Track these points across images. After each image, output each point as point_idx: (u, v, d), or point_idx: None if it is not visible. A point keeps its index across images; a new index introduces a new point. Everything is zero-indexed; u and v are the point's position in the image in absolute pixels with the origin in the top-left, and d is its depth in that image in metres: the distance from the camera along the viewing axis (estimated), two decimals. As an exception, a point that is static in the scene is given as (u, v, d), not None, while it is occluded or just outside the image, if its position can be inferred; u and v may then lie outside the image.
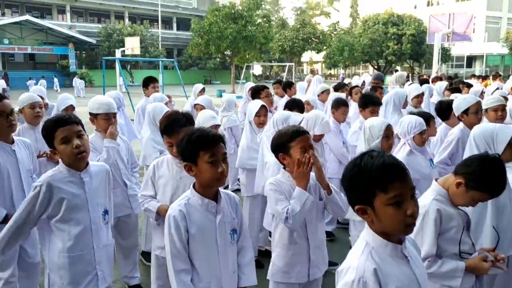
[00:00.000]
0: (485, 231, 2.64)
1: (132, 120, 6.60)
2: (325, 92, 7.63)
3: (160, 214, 2.94)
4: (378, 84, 8.90)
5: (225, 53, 32.09)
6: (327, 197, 2.66)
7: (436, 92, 8.51)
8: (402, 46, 40.85)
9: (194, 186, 2.27)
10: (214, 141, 2.17)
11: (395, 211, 1.54)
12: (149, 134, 4.43)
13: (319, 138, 4.07)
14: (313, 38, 39.86)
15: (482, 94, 7.50)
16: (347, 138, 5.11)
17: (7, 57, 42.94)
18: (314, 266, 2.74)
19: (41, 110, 4.38)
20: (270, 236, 4.52)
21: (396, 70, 25.63)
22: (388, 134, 3.27)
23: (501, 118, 4.36)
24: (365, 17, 44.88)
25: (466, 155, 2.86)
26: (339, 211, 2.75)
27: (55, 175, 2.52)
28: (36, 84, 30.04)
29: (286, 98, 8.21)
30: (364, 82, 9.91)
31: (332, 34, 40.73)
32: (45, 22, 41.49)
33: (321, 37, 39.76)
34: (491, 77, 15.65)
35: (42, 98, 6.10)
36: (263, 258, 4.63)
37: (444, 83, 9.18)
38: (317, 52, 43.13)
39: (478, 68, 48.62)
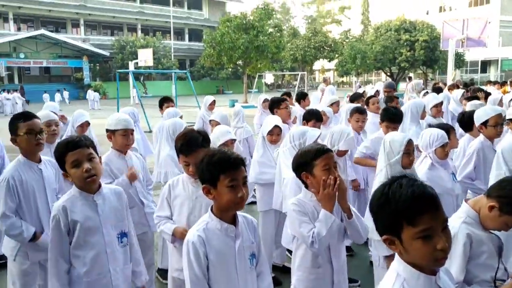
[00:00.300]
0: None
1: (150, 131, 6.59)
2: (335, 104, 7.53)
3: (176, 236, 2.88)
4: (390, 93, 8.78)
5: (237, 63, 32.11)
6: (347, 221, 2.57)
7: (453, 100, 8.36)
8: (415, 53, 40.48)
9: (211, 210, 2.19)
10: (235, 164, 2.10)
11: (423, 245, 1.43)
12: (168, 151, 4.40)
13: (343, 153, 4.00)
14: (324, 47, 39.74)
15: (500, 102, 7.33)
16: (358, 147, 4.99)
17: (23, 70, 43.66)
18: None
19: (57, 128, 4.41)
20: (288, 252, 4.45)
21: (410, 78, 25.39)
22: (409, 149, 3.15)
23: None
24: (377, 24, 44.65)
25: (494, 171, 2.75)
26: (358, 237, 2.65)
27: (68, 199, 2.52)
28: (52, 97, 30.49)
29: (301, 110, 8.15)
30: (378, 91, 9.80)
31: (344, 42, 40.55)
32: (60, 36, 42.13)
33: (332, 45, 39.63)
34: (508, 82, 15.39)
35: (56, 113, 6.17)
36: (280, 274, 4.54)
37: (460, 91, 9.04)
38: (329, 61, 42.99)
39: (493, 73, 48.01)
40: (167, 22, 48.94)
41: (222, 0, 58.11)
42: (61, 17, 46.83)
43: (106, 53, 43.71)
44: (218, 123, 5.11)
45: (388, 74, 46.81)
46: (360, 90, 13.06)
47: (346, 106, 6.51)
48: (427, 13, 52.76)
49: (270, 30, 32.11)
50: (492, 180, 3.36)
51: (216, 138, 3.92)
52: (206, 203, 2.26)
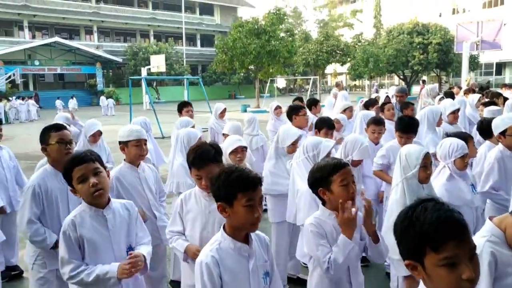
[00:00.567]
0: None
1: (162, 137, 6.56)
2: (348, 109, 7.43)
3: (188, 255, 2.82)
4: (403, 98, 8.63)
5: (249, 68, 32.09)
6: (371, 245, 2.49)
7: (469, 105, 8.20)
8: (429, 56, 40.04)
9: (224, 228, 2.13)
10: (254, 184, 2.03)
11: (447, 274, 1.34)
12: (181, 161, 4.34)
13: (357, 163, 3.91)
14: (337, 51, 39.51)
15: (519, 107, 7.15)
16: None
17: (37, 77, 44.28)
18: None
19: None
20: (303, 263, 4.36)
21: (424, 81, 25.15)
22: (427, 163, 3.03)
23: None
24: (389, 27, 44.30)
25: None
26: (379, 258, 2.59)
27: (78, 214, 2.50)
28: (65, 103, 30.79)
29: (313, 116, 8.06)
30: (388, 96, 9.66)
31: (356, 46, 40.29)
32: (74, 43, 42.68)
33: (345, 49, 39.39)
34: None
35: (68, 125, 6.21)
36: (295, 286, 4.46)
37: (477, 96, 8.86)
38: (342, 65, 42.76)
39: (508, 75, 47.32)
40: (179, 28, 49.26)
41: (234, 5, 58.34)
42: (75, 24, 47.45)
43: (119, 59, 44.16)
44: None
45: (401, 77, 46.39)
46: (380, 93, 12.90)
47: (361, 113, 6.41)
48: (440, 16, 52.22)
49: (282, 34, 32.07)
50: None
51: (226, 147, 3.87)
52: (220, 218, 2.20)
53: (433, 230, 1.36)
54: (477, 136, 5.36)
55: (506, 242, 2.06)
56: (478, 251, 2.01)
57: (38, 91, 39.35)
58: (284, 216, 3.91)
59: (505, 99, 8.83)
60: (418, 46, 40.48)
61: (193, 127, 5.67)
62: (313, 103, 8.12)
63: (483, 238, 2.10)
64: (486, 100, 9.11)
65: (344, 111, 7.39)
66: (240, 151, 3.91)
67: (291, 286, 4.39)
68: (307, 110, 8.15)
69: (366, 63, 36.32)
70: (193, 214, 2.90)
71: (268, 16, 30.11)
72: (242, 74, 42.67)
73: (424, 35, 40.94)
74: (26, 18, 42.97)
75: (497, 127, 4.19)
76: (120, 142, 3.67)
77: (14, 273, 4.78)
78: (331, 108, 9.69)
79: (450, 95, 9.92)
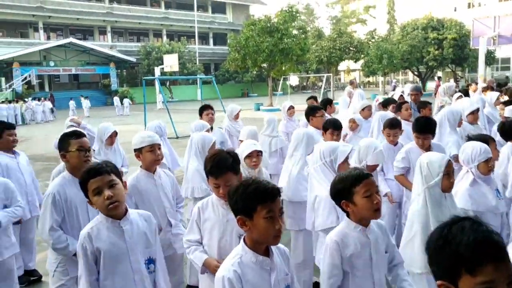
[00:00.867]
0: None
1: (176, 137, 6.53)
2: (366, 108, 7.32)
3: (209, 269, 2.78)
4: (418, 96, 8.48)
5: (262, 66, 31.98)
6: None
7: (487, 103, 8.03)
8: (444, 51, 39.54)
9: (244, 241, 2.08)
10: (273, 195, 1.98)
11: None
12: (196, 166, 4.32)
13: (372, 168, 3.82)
14: (350, 47, 39.19)
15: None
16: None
17: (53, 78, 44.79)
18: None
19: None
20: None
21: (439, 77, 24.82)
22: (449, 171, 2.91)
23: None
24: (403, 23, 43.84)
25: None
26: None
27: (94, 226, 2.48)
28: (80, 104, 31.07)
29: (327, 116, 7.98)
30: (402, 95, 9.50)
31: (370, 42, 39.92)
32: (88, 44, 43.06)
33: (358, 46, 39.05)
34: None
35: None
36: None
37: (495, 94, 8.68)
38: (355, 61, 42.42)
39: (526, 70, 46.46)
40: (191, 27, 49.38)
41: (246, 3, 58.25)
42: (89, 25, 47.88)
43: (132, 59, 44.45)
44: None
45: (416, 73, 45.89)
46: (397, 90, 12.72)
47: (378, 114, 6.30)
48: (455, 10, 51.43)
49: (295, 32, 31.88)
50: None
51: (242, 151, 3.82)
52: (238, 227, 2.15)
53: (470, 251, 1.29)
54: (497, 136, 5.23)
55: None
56: None
57: (53, 92, 39.80)
58: (303, 224, 3.85)
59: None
60: (433, 42, 40.02)
61: (208, 130, 5.64)
62: (328, 103, 8.04)
63: None
64: (506, 98, 8.95)
65: (362, 110, 7.30)
66: (255, 155, 3.86)
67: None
68: (324, 110, 8.11)
69: (380, 60, 35.99)
70: (211, 223, 2.85)
71: (281, 14, 29.94)
72: (255, 72, 42.57)
73: (439, 30, 40.44)
74: (41, 19, 43.47)
75: None
76: (135, 150, 3.65)
77: (33, 279, 4.81)
78: (346, 107, 9.60)
79: (465, 93, 9.73)
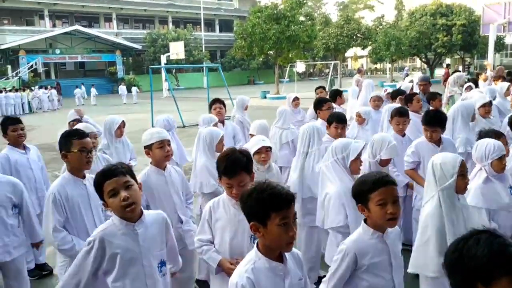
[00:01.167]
0: None
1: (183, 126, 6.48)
2: (376, 99, 7.25)
3: (224, 270, 2.77)
4: (426, 86, 8.38)
5: (268, 53, 31.74)
6: None
7: (498, 94, 7.91)
8: (452, 38, 39.02)
9: (257, 246, 2.05)
10: (287, 202, 1.94)
11: None
12: (204, 161, 4.31)
13: (386, 162, 3.82)
14: (358, 34, 38.76)
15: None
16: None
17: (59, 66, 44.82)
18: None
19: (96, 140, 4.41)
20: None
21: (448, 65, 24.53)
22: (463, 171, 2.84)
23: None
24: (412, 9, 43.23)
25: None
26: None
27: (108, 229, 2.45)
28: (87, 91, 31.11)
29: (337, 107, 7.90)
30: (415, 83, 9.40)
31: (378, 29, 39.42)
32: (93, 31, 42.96)
33: (366, 32, 38.59)
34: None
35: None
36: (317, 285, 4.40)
37: (506, 84, 8.53)
38: (362, 48, 41.98)
39: (536, 56, 45.85)
40: (197, 13, 49.05)
41: (252, -11, 57.71)
42: (94, 12, 47.69)
43: (138, 46, 44.33)
44: (256, 136, 4.92)
45: (424, 60, 45.39)
46: (408, 79, 12.56)
47: (387, 107, 6.23)
48: (465, -5, 50.68)
49: (302, 18, 31.56)
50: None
51: (251, 147, 3.80)
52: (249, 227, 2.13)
53: (485, 264, 1.29)
54: (506, 129, 5.15)
55: None
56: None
57: (59, 80, 39.83)
58: (314, 221, 3.83)
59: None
60: (441, 28, 39.50)
61: (215, 124, 5.61)
62: (337, 94, 7.98)
63: None
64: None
65: (373, 101, 7.23)
66: (264, 151, 3.84)
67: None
68: (333, 102, 8.04)
69: (388, 47, 35.58)
70: (222, 222, 2.84)
71: (288, 1, 29.59)
72: (261, 59, 42.34)
73: (448, 16, 39.87)
74: (46, 7, 43.33)
75: None
76: (144, 147, 3.64)
77: (44, 273, 4.85)
78: (355, 97, 9.49)
79: (474, 82, 9.58)
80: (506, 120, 5.73)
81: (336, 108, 7.84)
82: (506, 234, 3.32)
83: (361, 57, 59.63)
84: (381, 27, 39.75)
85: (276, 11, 28.96)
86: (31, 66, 36.30)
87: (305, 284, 2.18)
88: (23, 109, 26.69)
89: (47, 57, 40.16)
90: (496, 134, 4.09)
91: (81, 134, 3.34)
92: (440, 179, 2.80)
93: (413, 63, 58.90)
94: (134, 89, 32.76)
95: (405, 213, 4.72)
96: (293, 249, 2.15)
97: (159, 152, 3.60)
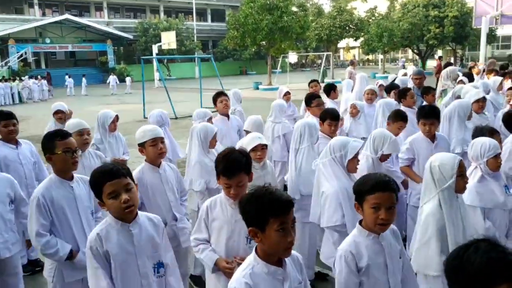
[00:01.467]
0: None
1: (175, 118, 6.42)
2: (370, 93, 7.25)
3: (220, 268, 2.76)
4: (421, 80, 8.38)
5: (261, 44, 31.58)
6: None
7: (490, 88, 7.93)
8: (444, 29, 39.08)
9: (256, 251, 2.04)
10: (286, 207, 1.93)
11: None
12: (197, 158, 4.28)
13: (386, 158, 3.84)
14: (350, 26, 38.62)
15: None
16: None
17: (49, 55, 44.24)
18: None
19: (89, 136, 4.34)
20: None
21: (440, 57, 24.58)
22: (462, 171, 2.84)
23: None
24: (404, 1, 43.17)
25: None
26: None
27: (103, 229, 2.43)
28: (77, 81, 30.75)
29: (330, 102, 7.90)
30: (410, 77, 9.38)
31: (370, 20, 39.34)
32: (84, 20, 42.38)
33: (358, 24, 38.47)
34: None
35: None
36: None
37: (498, 79, 8.57)
38: (355, 39, 41.90)
39: (526, 48, 46.14)
40: (189, 3, 48.61)
41: (244, -22, 57.20)
42: (85, 1, 47.06)
43: (129, 36, 43.87)
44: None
45: (416, 51, 45.47)
46: (402, 72, 12.55)
47: (381, 102, 6.23)
48: (457, -13, 50.66)
49: (294, 9, 31.40)
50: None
51: (246, 144, 3.77)
52: (246, 228, 2.12)
53: (485, 271, 1.31)
54: (499, 123, 5.16)
55: None
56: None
57: (49, 69, 39.32)
58: (308, 217, 3.82)
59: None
60: (433, 20, 39.51)
61: (210, 119, 5.57)
62: (331, 88, 7.95)
63: None
64: (509, 81, 8.85)
65: (367, 94, 7.22)
66: (260, 149, 3.82)
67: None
68: (326, 96, 8.03)
69: (380, 38, 35.55)
70: (219, 222, 2.83)
71: (281, -9, 29.39)
72: (254, 50, 42.13)
73: (440, 8, 39.88)
74: (36, -5, 42.68)
75: None
76: (138, 145, 3.61)
77: (37, 269, 4.81)
78: (349, 89, 9.46)
79: (469, 76, 9.58)
80: (499, 115, 5.77)
81: (330, 102, 7.85)
82: (501, 232, 3.36)
83: (353, 48, 59.54)
84: (373, 18, 39.64)
85: (269, 2, 28.77)
86: (21, 56, 35.78)
87: (305, 287, 2.17)
88: (13, 99, 26.36)
89: (37, 47, 39.58)
90: (490, 132, 4.11)
91: (64, 135, 3.23)
92: (439, 181, 2.79)
93: (405, 54, 58.94)
94: (128, 79, 32.37)
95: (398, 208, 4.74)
96: (294, 252, 2.14)
97: (153, 150, 3.57)
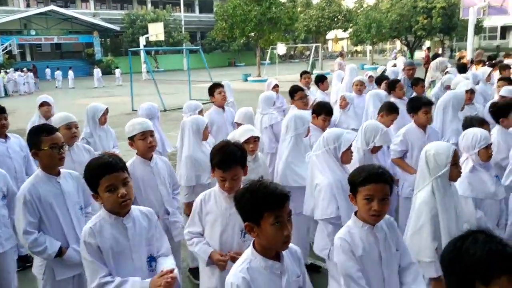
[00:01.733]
0: None
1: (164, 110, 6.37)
2: (359, 84, 7.26)
3: (213, 261, 2.75)
4: (412, 71, 8.42)
5: (249, 35, 31.45)
6: None
7: (480, 80, 8.00)
8: (432, 20, 39.26)
9: (254, 246, 2.03)
10: (281, 201, 1.91)
11: None
12: (188, 152, 4.24)
13: (377, 149, 3.85)
14: (339, 17, 38.63)
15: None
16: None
17: (34, 47, 43.54)
18: None
19: (77, 130, 4.27)
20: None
21: (429, 48, 24.69)
22: (456, 160, 2.88)
23: None
24: (393, -9, 43.29)
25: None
26: None
27: (97, 223, 2.41)
28: (64, 74, 30.35)
29: (321, 93, 7.90)
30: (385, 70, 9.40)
31: (359, 11, 39.39)
32: (70, 11, 41.74)
33: (347, 15, 38.51)
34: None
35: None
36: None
37: (488, 69, 8.66)
38: (344, 30, 41.93)
39: (513, 39, 46.58)
40: (177, -6, 48.16)
41: (232, -31, 56.76)
42: (70, -8, 46.32)
43: (116, 27, 43.32)
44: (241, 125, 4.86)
45: (404, 42, 45.66)
46: (391, 63, 12.56)
47: (370, 93, 6.25)
48: (445, -22, 50.85)
49: (283, 0, 31.28)
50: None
51: (239, 136, 3.74)
52: (241, 221, 2.10)
53: (484, 263, 1.31)
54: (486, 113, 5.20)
55: None
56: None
57: (35, 62, 38.72)
58: (301, 208, 3.81)
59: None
60: (421, 11, 39.64)
61: (201, 111, 5.53)
62: (321, 80, 7.95)
63: None
64: (498, 74, 8.91)
65: (356, 85, 7.23)
66: (252, 141, 3.80)
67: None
68: (315, 87, 8.02)
69: (369, 29, 35.64)
70: (213, 216, 2.81)
71: (269, -18, 29.22)
72: (242, 41, 41.98)
73: (428, -1, 40.03)
74: (19, -15, 41.88)
75: None
76: (128, 139, 3.56)
77: (28, 264, 4.76)
78: (339, 80, 9.46)
79: (462, 68, 9.63)
80: (487, 105, 5.82)
81: (320, 93, 7.85)
82: (492, 222, 3.40)
83: (342, 39, 59.59)
84: (362, 9, 39.71)
85: (258, -8, 28.61)
86: (5, 48, 35.15)
87: (303, 281, 2.16)
88: (-2, 92, 25.98)
89: (22, 38, 38.90)
90: (480, 122, 4.14)
91: (50, 130, 3.11)
92: (433, 169, 2.84)
93: (393, 45, 59.11)
94: (117, 71, 31.92)
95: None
96: (292, 245, 2.12)
97: (142, 144, 3.52)
